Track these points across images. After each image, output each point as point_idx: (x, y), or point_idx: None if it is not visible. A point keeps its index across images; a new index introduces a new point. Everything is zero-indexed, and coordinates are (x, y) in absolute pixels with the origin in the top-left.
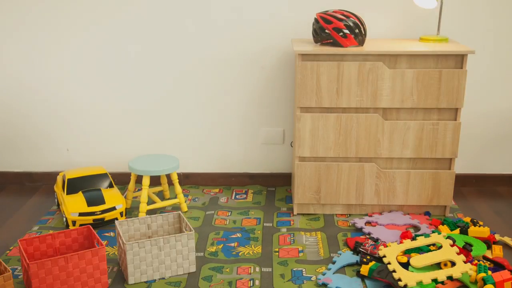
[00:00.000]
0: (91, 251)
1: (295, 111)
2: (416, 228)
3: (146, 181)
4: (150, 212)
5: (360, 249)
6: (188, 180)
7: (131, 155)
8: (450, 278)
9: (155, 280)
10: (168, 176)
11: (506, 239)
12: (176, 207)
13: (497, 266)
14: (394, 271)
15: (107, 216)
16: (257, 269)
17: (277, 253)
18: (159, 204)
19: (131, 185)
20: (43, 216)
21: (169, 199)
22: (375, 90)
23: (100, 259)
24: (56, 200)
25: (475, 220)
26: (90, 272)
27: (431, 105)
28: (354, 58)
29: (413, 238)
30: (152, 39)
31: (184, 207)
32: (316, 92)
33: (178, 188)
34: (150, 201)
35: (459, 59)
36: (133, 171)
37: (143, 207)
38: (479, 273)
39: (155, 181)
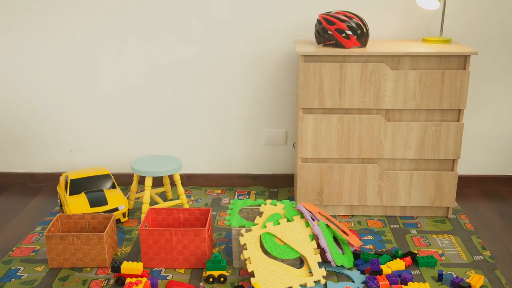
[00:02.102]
0: (194, 231)
1: (298, 112)
2: None
3: (148, 182)
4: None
5: None
6: (191, 181)
7: (134, 156)
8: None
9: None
10: (171, 177)
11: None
12: None
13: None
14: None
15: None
16: None
17: None
18: (162, 205)
19: (134, 186)
20: (46, 217)
21: (171, 200)
22: (378, 91)
23: (201, 240)
24: (58, 201)
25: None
26: (192, 250)
27: (434, 106)
28: (356, 59)
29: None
30: (155, 40)
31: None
32: (318, 93)
33: (180, 189)
34: (153, 202)
35: (462, 60)
36: (135, 172)
37: (146, 208)
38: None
39: (158, 182)
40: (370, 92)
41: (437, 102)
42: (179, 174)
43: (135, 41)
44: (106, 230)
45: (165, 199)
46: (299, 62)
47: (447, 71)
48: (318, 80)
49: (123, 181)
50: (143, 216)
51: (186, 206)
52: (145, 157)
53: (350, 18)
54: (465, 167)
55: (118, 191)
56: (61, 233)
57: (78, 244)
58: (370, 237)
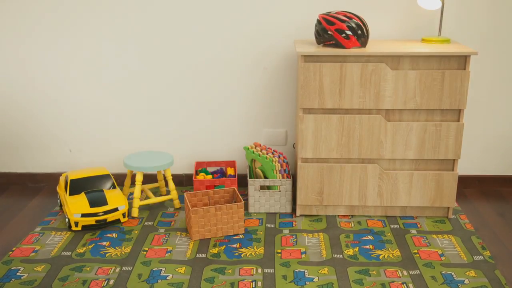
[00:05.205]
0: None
1: (298, 112)
2: None
3: (139, 177)
4: (143, 208)
5: None
6: (191, 181)
7: None
8: None
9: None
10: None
11: None
12: (173, 205)
13: None
14: None
15: (110, 217)
16: (259, 270)
17: (280, 254)
18: (153, 200)
19: (127, 181)
20: (45, 217)
21: (165, 195)
22: (378, 91)
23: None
24: (58, 201)
25: None
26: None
27: (434, 106)
28: (356, 59)
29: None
30: (155, 40)
31: (177, 203)
32: (318, 93)
33: (171, 185)
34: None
35: (462, 60)
36: (127, 167)
37: (136, 202)
38: None
39: (154, 178)
40: (370, 92)
41: (437, 102)
42: (179, 174)
43: (135, 42)
44: (241, 200)
45: (159, 194)
46: (299, 62)
47: (447, 71)
48: (318, 80)
49: (123, 181)
50: (134, 210)
51: (177, 201)
52: (137, 153)
53: (350, 18)
54: (465, 167)
55: (118, 191)
56: (205, 207)
57: (220, 215)
58: (370, 237)
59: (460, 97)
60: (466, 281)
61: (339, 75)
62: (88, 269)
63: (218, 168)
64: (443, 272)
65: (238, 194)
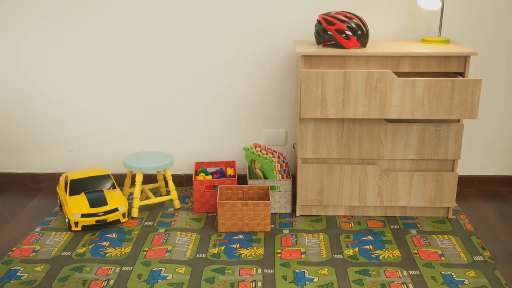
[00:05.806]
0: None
1: (298, 114)
2: None
3: (139, 177)
4: (143, 208)
5: None
6: (190, 181)
7: None
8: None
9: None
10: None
11: None
12: (173, 204)
13: None
14: None
15: (110, 217)
16: (259, 270)
17: (280, 255)
18: (152, 200)
19: (127, 181)
20: (45, 217)
21: (165, 195)
22: (384, 100)
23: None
24: (58, 201)
25: None
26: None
27: (444, 116)
28: (356, 59)
29: None
30: (155, 40)
31: (177, 204)
32: (321, 102)
33: (171, 185)
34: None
35: (462, 61)
36: (127, 168)
37: (136, 202)
38: None
39: (154, 178)
40: (375, 101)
41: (447, 112)
42: (180, 174)
43: (134, 42)
44: (269, 198)
45: (159, 195)
46: (299, 62)
47: (457, 79)
48: (321, 88)
49: (123, 181)
50: (134, 210)
51: (177, 201)
52: (137, 153)
53: (350, 18)
54: (465, 168)
55: (117, 191)
56: (232, 201)
57: (246, 210)
58: (370, 237)
59: (471, 107)
60: (466, 282)
61: (342, 83)
62: (88, 269)
63: (218, 168)
64: (443, 272)
65: (270, 193)
